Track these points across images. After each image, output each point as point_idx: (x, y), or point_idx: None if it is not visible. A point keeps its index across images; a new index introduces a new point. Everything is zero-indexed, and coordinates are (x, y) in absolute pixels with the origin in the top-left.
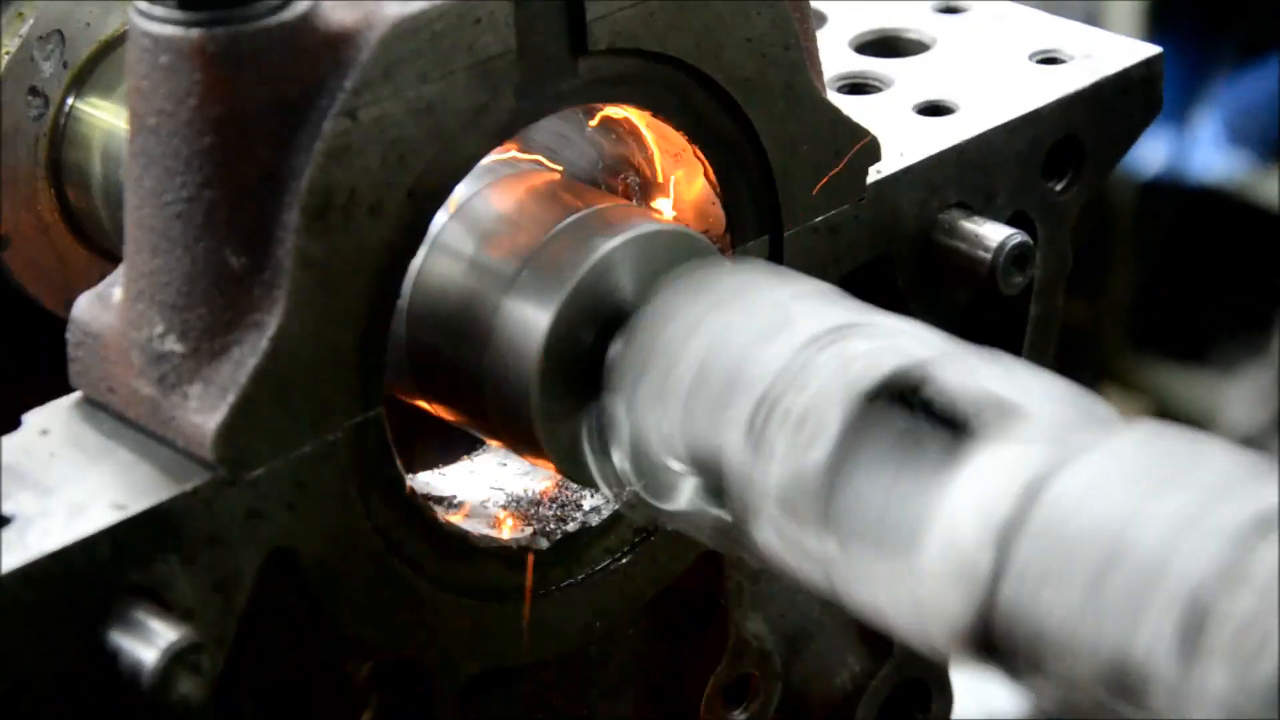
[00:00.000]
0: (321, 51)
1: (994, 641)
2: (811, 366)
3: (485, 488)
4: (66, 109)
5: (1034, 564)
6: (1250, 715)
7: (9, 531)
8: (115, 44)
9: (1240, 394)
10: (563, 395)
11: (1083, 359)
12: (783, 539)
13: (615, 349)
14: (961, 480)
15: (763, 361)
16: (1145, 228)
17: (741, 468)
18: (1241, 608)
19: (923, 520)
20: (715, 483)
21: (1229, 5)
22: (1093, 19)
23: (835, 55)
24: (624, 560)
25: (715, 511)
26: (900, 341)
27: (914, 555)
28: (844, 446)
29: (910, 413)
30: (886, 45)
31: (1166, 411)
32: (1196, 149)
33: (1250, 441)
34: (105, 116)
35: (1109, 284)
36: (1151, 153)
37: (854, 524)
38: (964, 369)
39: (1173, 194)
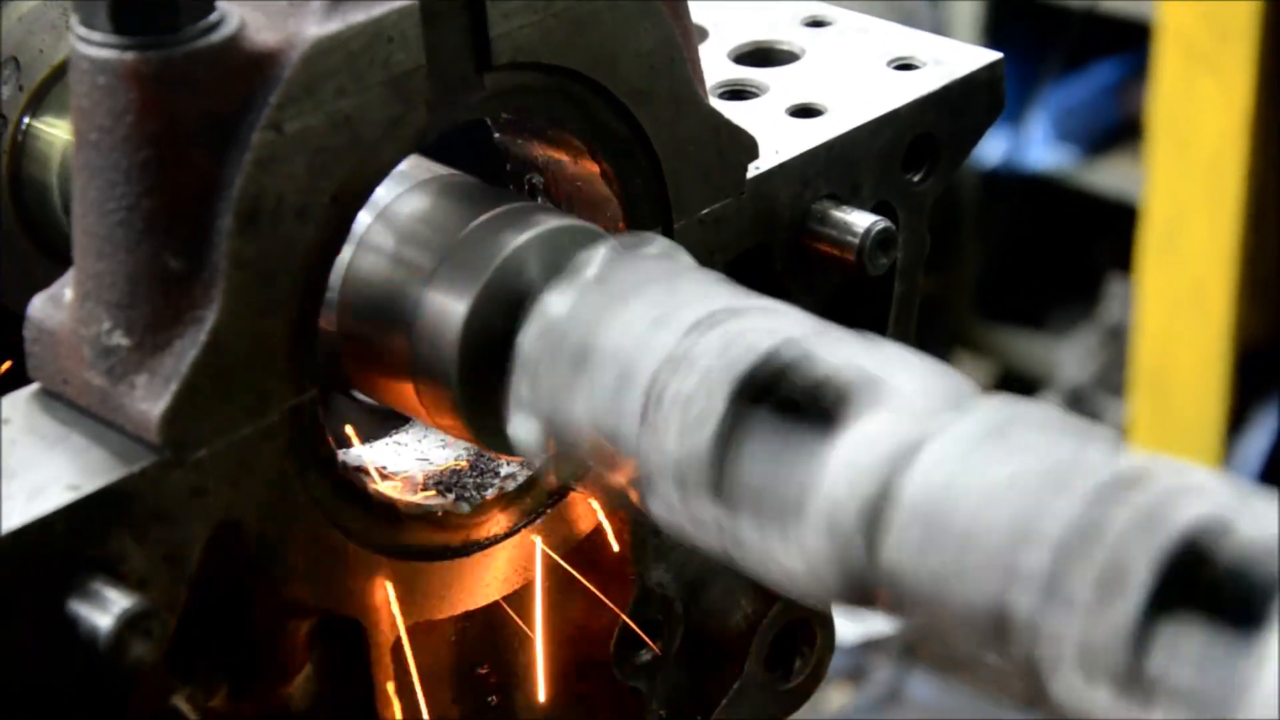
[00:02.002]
0: (248, 71)
1: (872, 599)
2: (696, 350)
3: (411, 459)
4: (24, 127)
5: (908, 529)
6: (1104, 657)
7: None
8: (67, 69)
9: (1072, 353)
10: (480, 375)
11: (937, 327)
12: (675, 510)
13: (524, 335)
14: (835, 454)
15: (652, 347)
16: (988, 212)
17: (635, 446)
18: (1098, 559)
19: (801, 493)
20: (613, 460)
21: (1053, 21)
22: (939, 31)
23: (716, 65)
24: (539, 520)
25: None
26: (775, 323)
27: (795, 526)
28: (728, 425)
29: (786, 391)
30: (761, 56)
31: (1010, 370)
32: (1030, 144)
33: (1080, 392)
34: (59, 134)
35: (958, 261)
36: (991, 147)
37: (741, 497)
38: (835, 348)
39: (1010, 183)
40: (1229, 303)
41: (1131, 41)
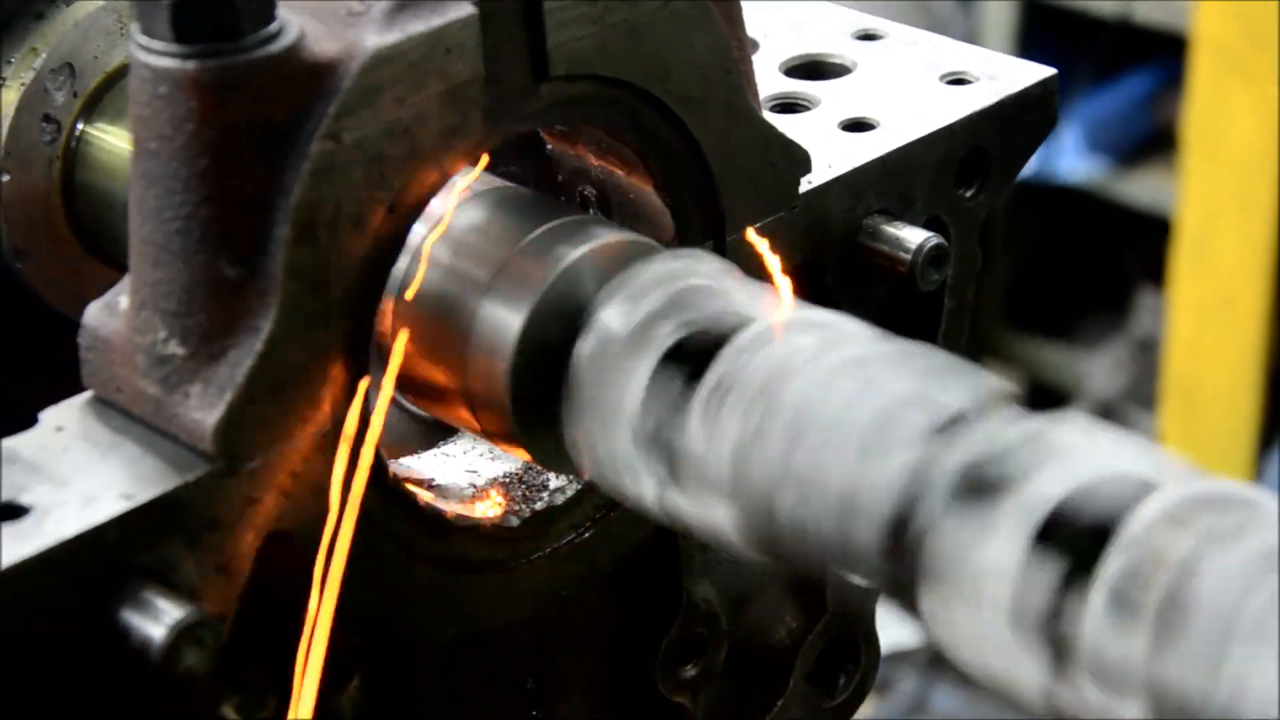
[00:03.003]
0: (307, 80)
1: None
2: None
3: (460, 471)
4: (77, 134)
5: None
6: None
7: (28, 520)
8: (121, 75)
9: (1101, 365)
10: (534, 388)
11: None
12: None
13: (580, 349)
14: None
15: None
16: (1019, 223)
17: (695, 445)
18: None
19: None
20: (670, 467)
21: (1084, 33)
22: (970, 40)
23: (767, 78)
24: (586, 534)
25: (668, 493)
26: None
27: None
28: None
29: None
30: (813, 69)
31: (1038, 381)
32: (1061, 155)
33: (1109, 405)
34: (112, 140)
35: (988, 271)
36: None
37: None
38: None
39: (1042, 193)
40: (1260, 314)
41: (1164, 51)
